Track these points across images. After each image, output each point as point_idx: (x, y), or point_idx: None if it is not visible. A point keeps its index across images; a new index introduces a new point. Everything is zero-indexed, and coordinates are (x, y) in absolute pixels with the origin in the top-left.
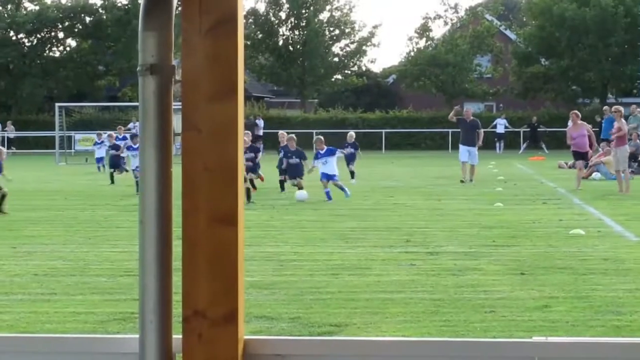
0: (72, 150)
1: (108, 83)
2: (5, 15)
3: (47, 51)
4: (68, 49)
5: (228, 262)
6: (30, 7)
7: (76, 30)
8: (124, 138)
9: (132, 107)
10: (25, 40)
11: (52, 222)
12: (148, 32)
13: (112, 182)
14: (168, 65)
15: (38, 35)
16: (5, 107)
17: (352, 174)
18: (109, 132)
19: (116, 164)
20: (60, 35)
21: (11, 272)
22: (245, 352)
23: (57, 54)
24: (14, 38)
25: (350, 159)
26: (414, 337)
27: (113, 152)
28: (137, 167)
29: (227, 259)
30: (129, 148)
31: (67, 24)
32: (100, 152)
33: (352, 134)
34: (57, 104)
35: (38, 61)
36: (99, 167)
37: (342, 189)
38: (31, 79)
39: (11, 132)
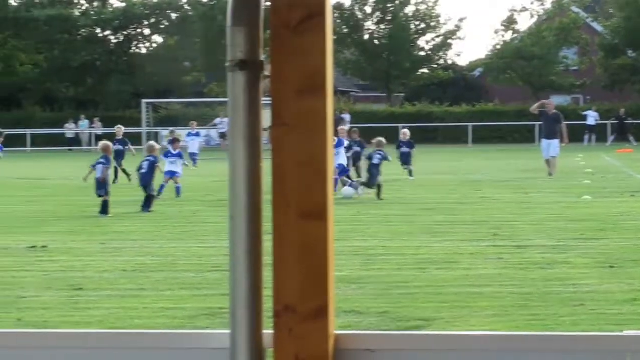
0: (162, 145)
1: (194, 79)
2: (92, 12)
3: (134, 48)
4: (154, 45)
5: (318, 257)
6: (117, 4)
7: (162, 26)
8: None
9: (219, 103)
10: (112, 38)
11: (140, 218)
12: (237, 28)
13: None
14: (257, 60)
15: (124, 32)
16: (93, 103)
17: (410, 172)
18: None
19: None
20: (147, 32)
21: (100, 268)
22: (335, 347)
23: (144, 51)
24: (100, 35)
25: (405, 159)
26: (503, 331)
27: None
28: (169, 171)
29: (317, 254)
30: (166, 155)
31: (153, 20)
32: (194, 145)
33: (406, 131)
34: (143, 101)
35: (124, 58)
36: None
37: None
38: (118, 76)
39: (99, 129)
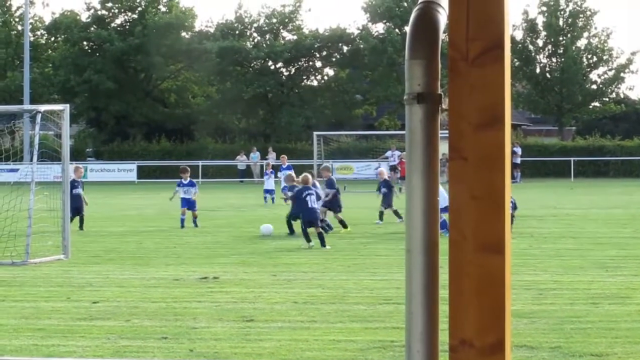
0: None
1: (365, 111)
2: (264, 45)
3: (305, 80)
4: (325, 77)
5: (495, 291)
6: (288, 36)
7: (333, 59)
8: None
9: (389, 136)
10: (284, 70)
11: (310, 250)
12: (415, 61)
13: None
14: (435, 93)
15: (296, 65)
16: (264, 135)
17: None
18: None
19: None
20: (318, 64)
21: (272, 300)
22: None
23: (315, 83)
24: (272, 67)
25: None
26: None
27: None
28: (185, 199)
29: (494, 288)
30: (179, 184)
31: (324, 53)
32: (269, 183)
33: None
34: (314, 133)
35: (296, 90)
36: (265, 198)
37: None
38: (289, 108)
39: (272, 160)
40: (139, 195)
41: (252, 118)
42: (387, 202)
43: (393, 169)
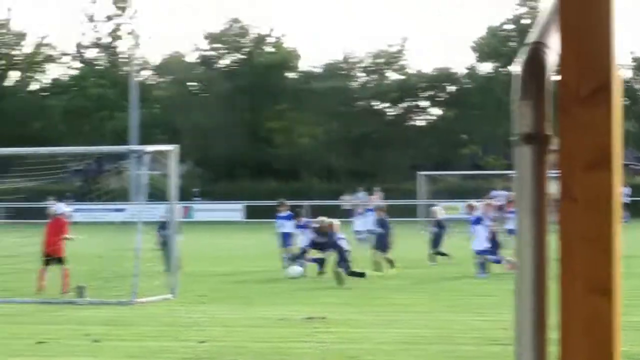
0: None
1: (471, 151)
2: (370, 85)
3: (411, 120)
4: (431, 117)
5: (604, 332)
6: (394, 76)
7: (439, 99)
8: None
9: (495, 175)
10: (389, 110)
11: (415, 290)
12: (524, 102)
13: None
14: (544, 134)
15: (401, 104)
16: (369, 175)
17: None
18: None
19: None
20: (424, 104)
21: (377, 340)
22: None
23: (421, 123)
24: (378, 107)
25: None
26: None
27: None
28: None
29: (603, 329)
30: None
31: (430, 92)
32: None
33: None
34: (419, 173)
35: (402, 130)
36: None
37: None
38: (395, 148)
39: (378, 200)
40: (245, 235)
41: (358, 158)
42: (435, 243)
43: (500, 208)
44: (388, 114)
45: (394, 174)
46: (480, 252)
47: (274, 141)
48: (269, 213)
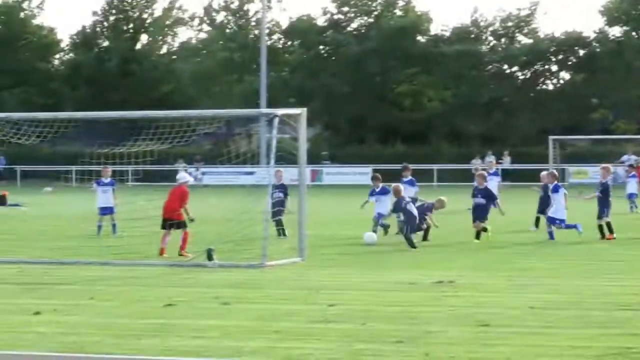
0: (566, 183)
1: (601, 116)
2: (500, 49)
3: (540, 84)
4: (561, 82)
5: None
6: (524, 40)
7: (569, 63)
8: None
9: (625, 140)
10: (519, 74)
11: (543, 255)
12: None
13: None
14: None
15: (531, 69)
16: (499, 140)
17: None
18: None
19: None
20: (554, 68)
21: (507, 305)
22: None
23: (550, 87)
24: (507, 72)
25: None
26: None
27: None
28: (103, 207)
29: None
30: (98, 182)
31: (560, 56)
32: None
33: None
34: (550, 137)
35: (531, 94)
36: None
37: (383, 226)
38: (524, 113)
39: (507, 164)
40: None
41: (487, 122)
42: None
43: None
44: (517, 78)
45: (523, 139)
46: (552, 221)
47: (402, 105)
48: (397, 177)
